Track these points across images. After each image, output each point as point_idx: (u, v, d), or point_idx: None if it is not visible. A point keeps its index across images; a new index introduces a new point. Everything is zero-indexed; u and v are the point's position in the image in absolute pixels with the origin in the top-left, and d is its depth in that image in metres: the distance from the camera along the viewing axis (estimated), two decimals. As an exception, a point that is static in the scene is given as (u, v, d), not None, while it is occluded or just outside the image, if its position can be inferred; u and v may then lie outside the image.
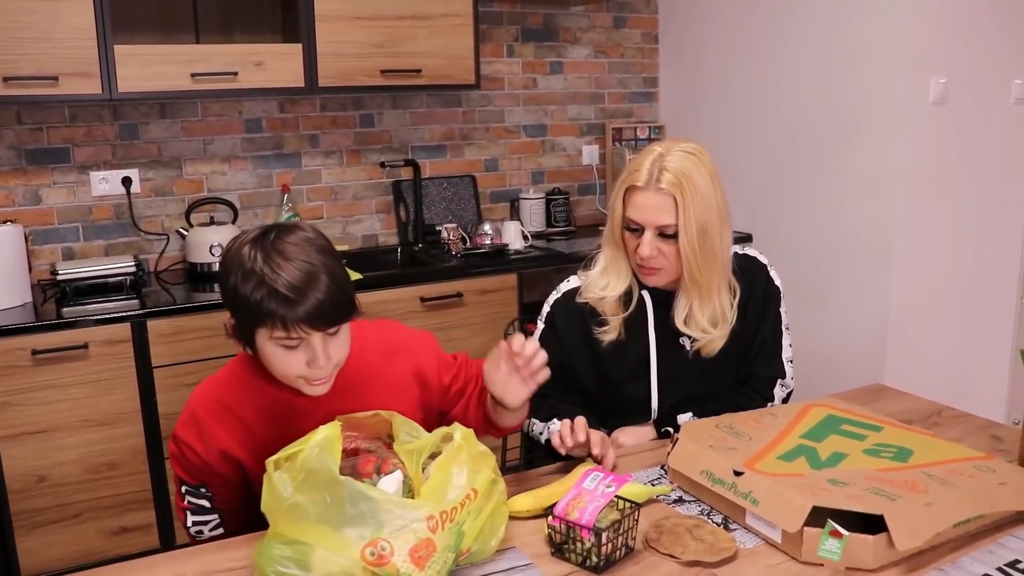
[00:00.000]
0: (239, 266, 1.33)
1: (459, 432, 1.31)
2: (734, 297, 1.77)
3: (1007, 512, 1.39)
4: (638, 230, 1.68)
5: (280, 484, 1.20)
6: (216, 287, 2.91)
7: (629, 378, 1.78)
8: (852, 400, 1.84)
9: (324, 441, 1.20)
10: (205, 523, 1.52)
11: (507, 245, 3.37)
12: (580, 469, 1.48)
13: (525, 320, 2.99)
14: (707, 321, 1.74)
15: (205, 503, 1.51)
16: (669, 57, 4.01)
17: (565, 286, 1.84)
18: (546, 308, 1.85)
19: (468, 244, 3.36)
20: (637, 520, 1.34)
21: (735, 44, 3.59)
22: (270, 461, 1.24)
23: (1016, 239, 3.30)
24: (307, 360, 1.36)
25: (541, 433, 1.76)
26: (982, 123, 3.10)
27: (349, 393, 1.47)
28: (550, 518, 1.33)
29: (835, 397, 1.86)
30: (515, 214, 3.76)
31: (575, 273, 1.87)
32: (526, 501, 1.46)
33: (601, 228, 3.82)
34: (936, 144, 3.02)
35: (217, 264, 3.00)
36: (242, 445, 1.47)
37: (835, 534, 1.26)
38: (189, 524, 1.52)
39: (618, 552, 1.31)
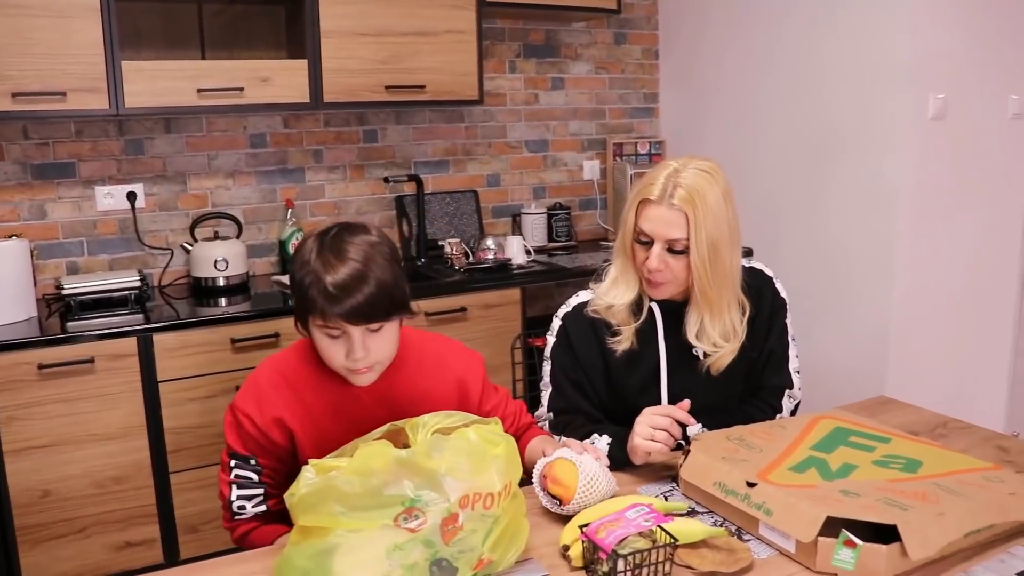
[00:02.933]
0: (301, 256, 1.48)
1: (504, 444, 1.32)
2: (744, 314, 1.79)
3: (1017, 522, 1.40)
4: (648, 242, 1.71)
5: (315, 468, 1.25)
6: (223, 301, 2.96)
7: (641, 389, 1.79)
8: (858, 412, 1.85)
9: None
10: (249, 498, 1.56)
11: (510, 260, 3.39)
12: (628, 500, 1.43)
13: (529, 335, 3.00)
14: (718, 335, 1.75)
15: (252, 475, 1.56)
16: (669, 73, 4.05)
17: (575, 300, 1.86)
18: (557, 322, 1.86)
19: (471, 259, 3.37)
20: (671, 556, 1.28)
21: (735, 60, 3.63)
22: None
23: (1014, 252, 3.33)
24: (346, 351, 1.47)
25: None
26: (980, 138, 3.13)
27: (396, 388, 1.60)
28: (581, 533, 1.32)
29: (841, 409, 1.88)
30: (517, 229, 3.78)
31: (583, 288, 1.88)
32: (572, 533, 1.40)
33: (603, 243, 3.89)
34: (935, 158, 3.05)
35: (223, 278, 3.03)
36: (296, 416, 1.56)
37: (849, 544, 1.28)
38: (233, 498, 1.56)
39: None
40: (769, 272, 1.89)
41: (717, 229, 1.67)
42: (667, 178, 1.68)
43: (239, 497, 1.56)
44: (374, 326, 1.46)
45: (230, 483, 1.57)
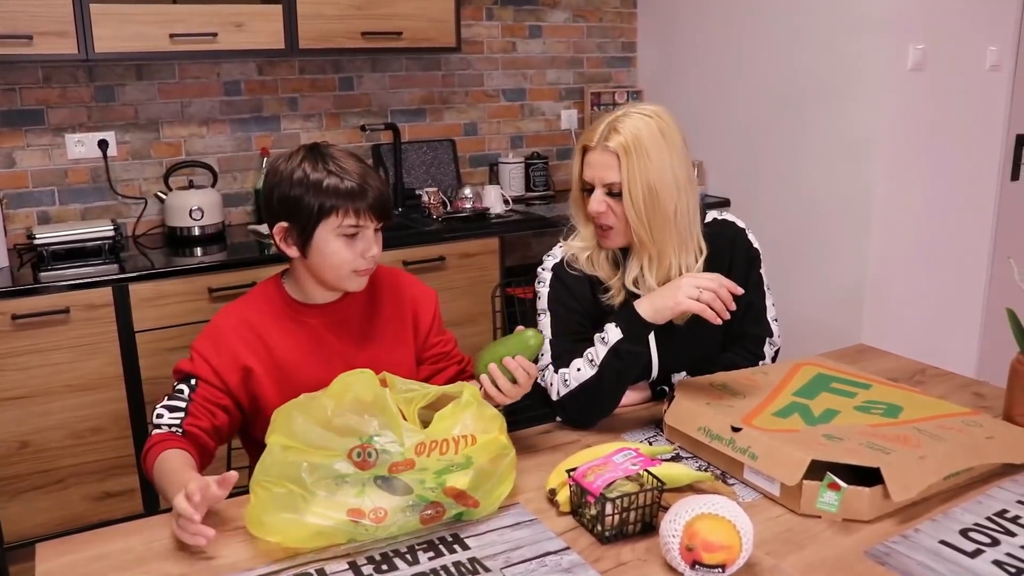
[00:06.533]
0: (293, 175, 1.51)
1: (467, 391, 1.33)
2: (700, 256, 1.76)
3: (994, 464, 1.43)
4: (591, 189, 1.70)
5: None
6: (199, 251, 2.92)
7: None
8: (838, 359, 1.87)
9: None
10: (171, 409, 1.51)
11: (488, 209, 3.37)
12: (614, 445, 1.42)
13: (507, 284, 3.00)
14: (655, 283, 1.71)
15: (185, 390, 1.53)
16: (647, 22, 4.01)
17: (559, 252, 1.82)
18: (547, 274, 1.80)
19: (449, 208, 3.35)
20: (658, 500, 1.29)
21: (713, 10, 3.60)
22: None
23: (988, 204, 3.36)
24: (362, 250, 1.54)
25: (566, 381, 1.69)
26: (958, 89, 3.14)
27: (360, 324, 1.66)
28: (569, 478, 1.33)
29: (822, 356, 1.90)
30: (494, 178, 3.76)
31: (558, 244, 1.84)
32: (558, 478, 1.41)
33: (580, 193, 3.85)
34: (914, 109, 3.06)
35: (198, 228, 2.99)
36: (259, 359, 1.58)
37: (833, 487, 1.30)
38: (157, 408, 1.51)
39: (631, 527, 1.28)
40: (741, 223, 1.87)
41: (656, 173, 1.64)
42: (607, 124, 1.67)
43: (162, 407, 1.51)
44: (383, 224, 1.57)
45: (166, 396, 1.54)
